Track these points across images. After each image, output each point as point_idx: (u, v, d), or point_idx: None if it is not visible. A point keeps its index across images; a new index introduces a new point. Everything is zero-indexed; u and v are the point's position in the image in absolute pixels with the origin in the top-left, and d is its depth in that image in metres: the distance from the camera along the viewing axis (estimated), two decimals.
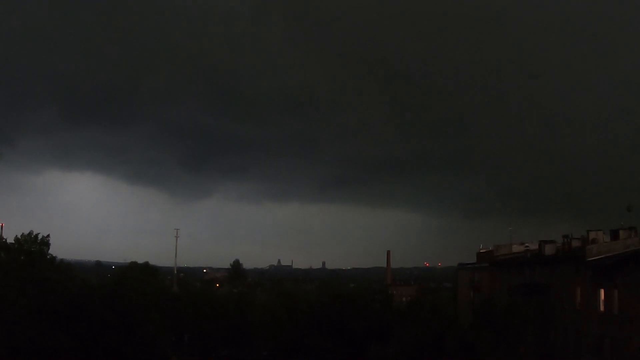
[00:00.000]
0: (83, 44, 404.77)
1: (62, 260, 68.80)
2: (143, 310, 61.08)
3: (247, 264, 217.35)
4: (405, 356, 55.52)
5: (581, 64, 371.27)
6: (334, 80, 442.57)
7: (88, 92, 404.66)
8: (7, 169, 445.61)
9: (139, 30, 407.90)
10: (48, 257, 61.48)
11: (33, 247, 60.09)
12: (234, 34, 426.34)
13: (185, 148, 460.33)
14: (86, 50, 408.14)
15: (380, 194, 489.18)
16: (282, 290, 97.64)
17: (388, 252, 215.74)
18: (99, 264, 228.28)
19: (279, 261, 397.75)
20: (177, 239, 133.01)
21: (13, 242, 60.16)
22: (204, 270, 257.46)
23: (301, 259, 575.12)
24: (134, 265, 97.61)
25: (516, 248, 66.79)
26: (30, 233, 60.43)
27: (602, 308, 44.28)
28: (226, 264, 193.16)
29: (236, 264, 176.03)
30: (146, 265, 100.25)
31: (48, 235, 61.29)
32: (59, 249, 67.29)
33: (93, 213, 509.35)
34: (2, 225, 70.06)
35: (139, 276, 77.11)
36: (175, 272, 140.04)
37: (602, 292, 44.36)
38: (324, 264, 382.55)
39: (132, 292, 62.00)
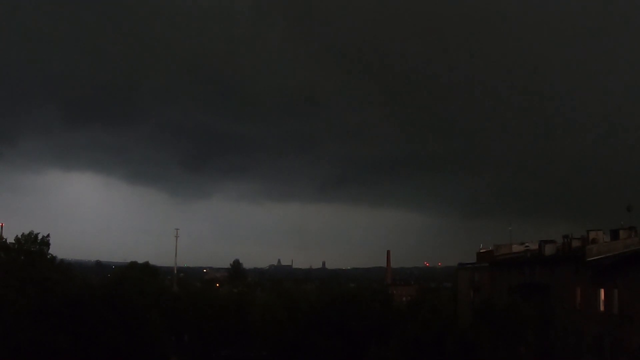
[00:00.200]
0: (83, 44, 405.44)
1: (62, 260, 68.80)
2: (143, 310, 61.05)
3: (247, 264, 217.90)
4: (405, 356, 55.49)
5: (581, 64, 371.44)
6: (334, 80, 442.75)
7: (88, 92, 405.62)
8: (8, 169, 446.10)
9: (139, 30, 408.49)
10: (48, 257, 61.46)
11: (33, 247, 60.05)
12: (234, 34, 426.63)
13: (185, 148, 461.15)
14: (86, 50, 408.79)
15: (380, 194, 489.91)
16: (282, 290, 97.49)
17: (388, 252, 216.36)
18: (99, 264, 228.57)
19: (279, 261, 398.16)
20: (177, 239, 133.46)
21: (13, 242, 60.12)
22: (204, 270, 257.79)
23: (301, 259, 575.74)
24: (134, 265, 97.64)
25: (516, 248, 66.78)
26: (30, 233, 60.41)
27: (602, 308, 44.28)
28: (226, 264, 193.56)
29: (236, 264, 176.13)
30: (146, 265, 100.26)
31: (48, 235, 61.36)
32: (59, 249, 67.44)
33: (93, 213, 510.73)
34: (2, 225, 70.15)
35: (139, 276, 77.12)
36: (175, 272, 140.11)
37: (602, 292, 44.37)
38: (324, 264, 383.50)
39: (132, 292, 61.99)
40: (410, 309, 76.48)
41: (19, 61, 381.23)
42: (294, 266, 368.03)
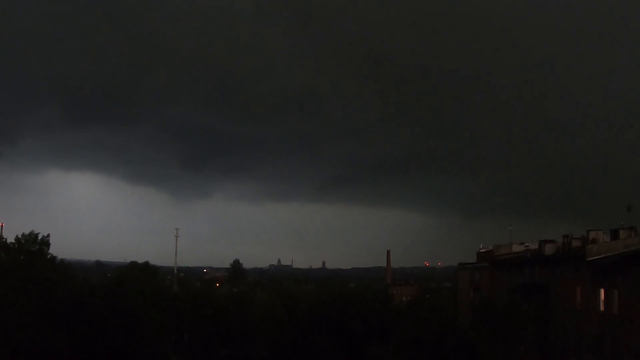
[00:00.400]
0: (83, 43, 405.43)
1: (62, 260, 68.80)
2: (143, 310, 60.97)
3: (247, 263, 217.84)
4: (405, 356, 55.47)
5: (581, 64, 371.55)
6: (335, 80, 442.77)
7: (89, 92, 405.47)
8: (8, 169, 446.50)
9: (139, 30, 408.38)
10: (48, 257, 61.52)
11: (33, 247, 60.14)
12: (234, 33, 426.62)
13: (185, 148, 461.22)
14: (87, 50, 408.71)
15: (380, 194, 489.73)
16: (282, 290, 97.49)
17: (388, 252, 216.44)
18: (99, 263, 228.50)
19: (279, 261, 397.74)
20: (177, 239, 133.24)
21: (13, 242, 60.21)
22: (204, 270, 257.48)
23: (301, 259, 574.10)
24: (134, 265, 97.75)
25: (516, 248, 66.83)
26: (30, 233, 60.52)
27: (602, 308, 44.29)
28: (226, 263, 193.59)
29: (236, 264, 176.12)
30: (146, 265, 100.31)
31: (48, 235, 61.46)
32: (59, 249, 67.51)
33: (93, 213, 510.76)
34: (2, 225, 70.28)
35: (139, 276, 77.15)
36: (175, 272, 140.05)
37: (602, 291, 44.38)
38: (324, 264, 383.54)
39: (132, 292, 61.94)
40: (410, 309, 76.42)
41: (19, 61, 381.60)
42: (294, 266, 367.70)
